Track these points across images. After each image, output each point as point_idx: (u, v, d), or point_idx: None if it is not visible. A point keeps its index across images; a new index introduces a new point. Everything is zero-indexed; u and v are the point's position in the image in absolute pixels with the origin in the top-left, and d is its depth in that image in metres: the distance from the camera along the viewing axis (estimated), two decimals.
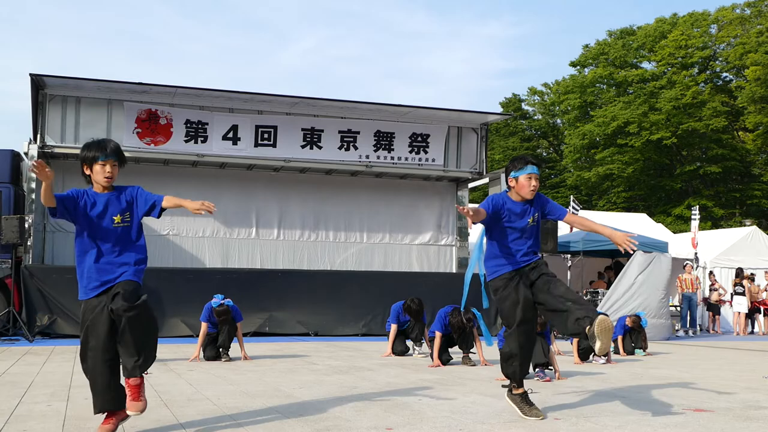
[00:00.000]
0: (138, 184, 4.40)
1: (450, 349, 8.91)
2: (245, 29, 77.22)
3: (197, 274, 13.33)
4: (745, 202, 34.78)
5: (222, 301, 8.89)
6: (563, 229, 16.00)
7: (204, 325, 8.84)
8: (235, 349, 8.99)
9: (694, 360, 10.06)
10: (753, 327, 18.25)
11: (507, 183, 5.04)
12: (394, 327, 9.80)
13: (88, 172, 4.15)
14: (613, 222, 18.73)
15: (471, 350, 8.78)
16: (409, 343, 9.95)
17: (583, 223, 5.28)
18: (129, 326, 3.97)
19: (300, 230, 16.03)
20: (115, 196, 4.18)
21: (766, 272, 18.15)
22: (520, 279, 4.86)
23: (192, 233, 15.27)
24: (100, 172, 4.10)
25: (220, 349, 8.86)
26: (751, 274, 18.16)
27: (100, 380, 4.06)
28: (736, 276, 17.91)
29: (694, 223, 18.30)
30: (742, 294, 17.56)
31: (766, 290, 18.05)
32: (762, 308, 18.21)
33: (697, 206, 19.93)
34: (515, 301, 4.82)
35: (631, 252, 5.08)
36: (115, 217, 4.14)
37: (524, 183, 4.89)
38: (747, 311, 17.79)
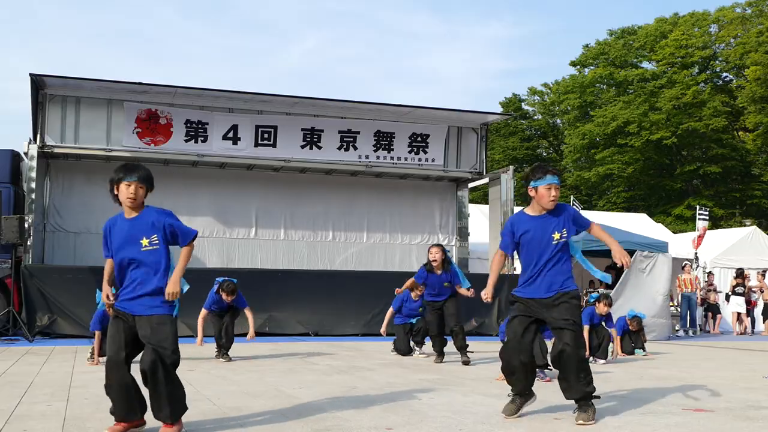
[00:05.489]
0: None
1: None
2: (246, 30, 77.26)
3: (197, 274, 13.23)
4: (745, 202, 34.78)
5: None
6: None
7: (204, 312, 8.83)
8: (237, 347, 8.99)
9: (694, 360, 10.05)
10: (753, 327, 18.23)
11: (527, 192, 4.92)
12: (391, 311, 9.93)
13: (116, 191, 4.26)
14: (613, 222, 18.73)
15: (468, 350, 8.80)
16: (410, 343, 9.95)
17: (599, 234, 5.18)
18: None
19: (300, 230, 16.02)
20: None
21: (758, 273, 18.09)
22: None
23: None
24: (128, 191, 4.21)
25: (221, 349, 8.86)
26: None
27: None
28: (738, 276, 17.86)
29: (704, 223, 18.17)
30: (743, 294, 17.54)
31: (760, 290, 18.02)
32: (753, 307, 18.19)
33: (705, 206, 19.83)
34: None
35: (626, 268, 5.03)
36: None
37: (543, 193, 4.77)
38: (746, 311, 17.79)
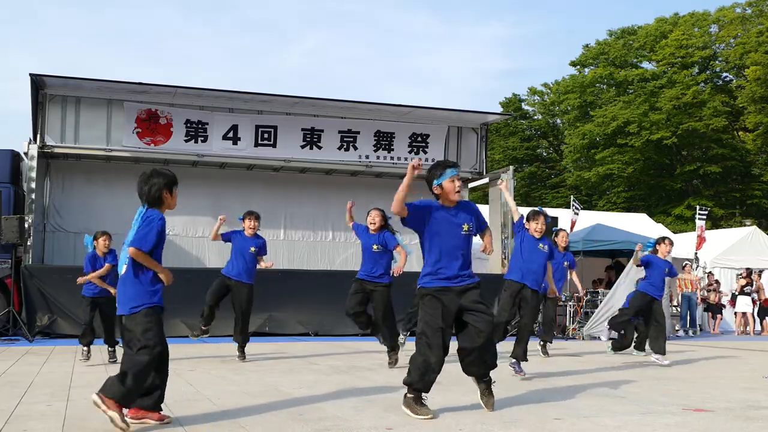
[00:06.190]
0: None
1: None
2: (246, 30, 77.23)
3: (197, 274, 13.30)
4: (745, 202, 34.76)
5: None
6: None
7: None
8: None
9: (694, 360, 10.05)
10: (754, 327, 18.19)
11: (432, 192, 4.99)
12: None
13: (167, 196, 4.56)
14: (613, 222, 18.73)
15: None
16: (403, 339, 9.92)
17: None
18: None
19: (300, 230, 16.02)
20: None
21: (755, 273, 18.06)
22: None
23: (192, 233, 15.25)
24: (176, 197, 4.65)
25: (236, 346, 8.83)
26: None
27: None
28: (747, 276, 17.81)
29: (701, 223, 18.16)
30: (750, 294, 17.52)
31: (756, 291, 18.00)
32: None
33: (704, 206, 19.78)
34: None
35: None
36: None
37: (449, 187, 4.89)
38: (751, 311, 17.79)
